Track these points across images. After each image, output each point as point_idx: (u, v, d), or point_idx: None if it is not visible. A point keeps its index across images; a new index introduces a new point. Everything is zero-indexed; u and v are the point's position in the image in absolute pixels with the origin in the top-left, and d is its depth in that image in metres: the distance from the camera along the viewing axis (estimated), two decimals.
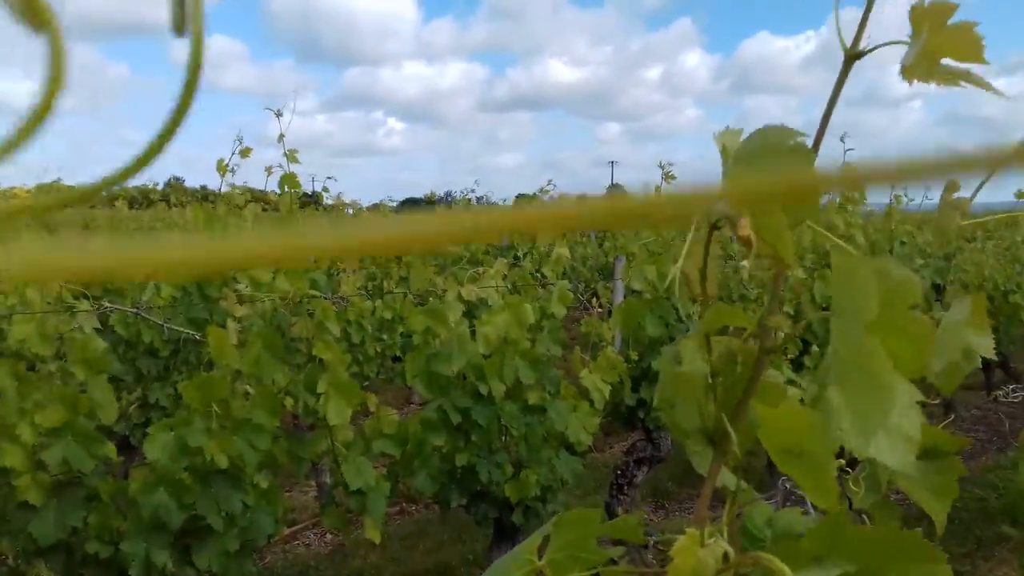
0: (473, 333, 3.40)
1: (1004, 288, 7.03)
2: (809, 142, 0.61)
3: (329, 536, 5.20)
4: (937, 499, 0.83)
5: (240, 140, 4.49)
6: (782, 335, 0.61)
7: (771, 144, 0.61)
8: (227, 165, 4.52)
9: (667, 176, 4.49)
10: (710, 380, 0.67)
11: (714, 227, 0.64)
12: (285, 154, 4.08)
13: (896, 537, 0.55)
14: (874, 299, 0.55)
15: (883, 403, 0.56)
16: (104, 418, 2.57)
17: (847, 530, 0.56)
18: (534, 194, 9.82)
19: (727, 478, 0.68)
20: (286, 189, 4.05)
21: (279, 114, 4.18)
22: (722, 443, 0.65)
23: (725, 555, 0.59)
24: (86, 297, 3.26)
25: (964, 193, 1.01)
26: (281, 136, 4.11)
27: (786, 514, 0.76)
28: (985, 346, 1.08)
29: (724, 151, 0.64)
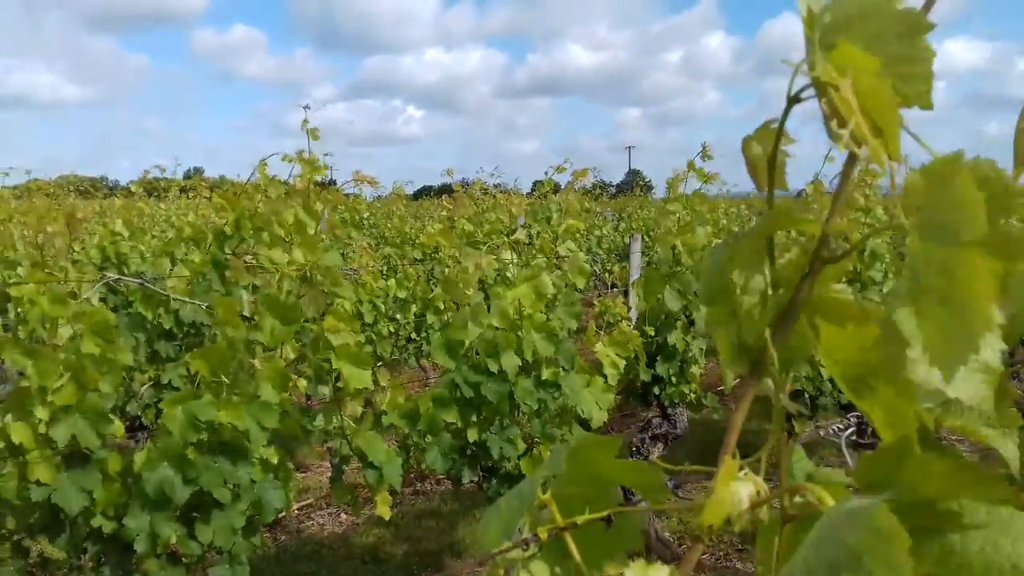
0: (489, 308, 3.33)
1: None
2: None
3: (343, 516, 5.17)
4: (1002, 434, 0.73)
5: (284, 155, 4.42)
6: (844, 244, 0.52)
7: (872, 6, 0.51)
8: (266, 163, 4.45)
9: (705, 155, 4.42)
10: (768, 292, 0.59)
11: (794, 99, 0.54)
12: (307, 132, 4.00)
13: (965, 467, 0.47)
14: (981, 213, 0.45)
15: (972, 332, 0.46)
16: (106, 387, 2.52)
17: (910, 458, 0.48)
18: (548, 177, 9.70)
19: (786, 402, 0.59)
20: (305, 169, 3.98)
21: (307, 107, 4.09)
22: (761, 363, 0.57)
23: (758, 491, 0.52)
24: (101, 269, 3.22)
25: None
26: (305, 122, 4.02)
27: (829, 471, 0.68)
28: None
29: (809, 17, 0.52)
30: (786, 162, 0.60)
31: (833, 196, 0.52)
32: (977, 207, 0.45)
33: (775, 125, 0.58)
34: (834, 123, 0.49)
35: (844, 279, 0.62)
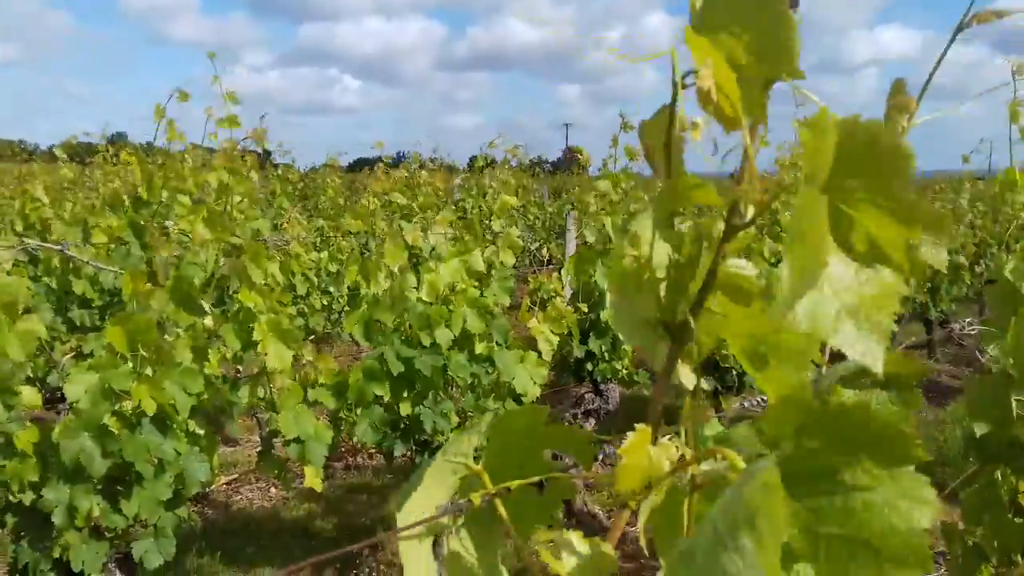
0: (420, 282, 3.32)
1: (947, 249, 7.14)
2: None
3: (273, 490, 5.11)
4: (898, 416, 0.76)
5: (179, 92, 4.28)
6: (752, 211, 0.53)
7: None
8: (164, 109, 4.32)
9: (626, 126, 4.42)
10: (672, 266, 0.59)
11: (679, 87, 0.54)
12: (224, 96, 3.90)
13: (866, 416, 0.48)
14: (827, 158, 0.49)
15: (815, 267, 0.49)
16: (12, 355, 2.42)
17: (810, 410, 0.49)
18: (483, 152, 9.67)
19: (687, 377, 0.60)
20: (227, 132, 3.88)
21: (212, 56, 3.99)
22: (681, 335, 0.58)
23: (681, 456, 0.52)
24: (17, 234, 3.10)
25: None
26: (216, 79, 3.92)
27: (743, 429, 0.70)
28: (940, 259, 1.01)
29: None
30: (683, 145, 0.61)
31: (740, 164, 0.54)
32: (827, 154, 0.48)
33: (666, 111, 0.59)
34: (706, 106, 0.51)
35: (742, 255, 0.63)
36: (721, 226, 0.59)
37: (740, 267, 0.60)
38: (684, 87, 0.54)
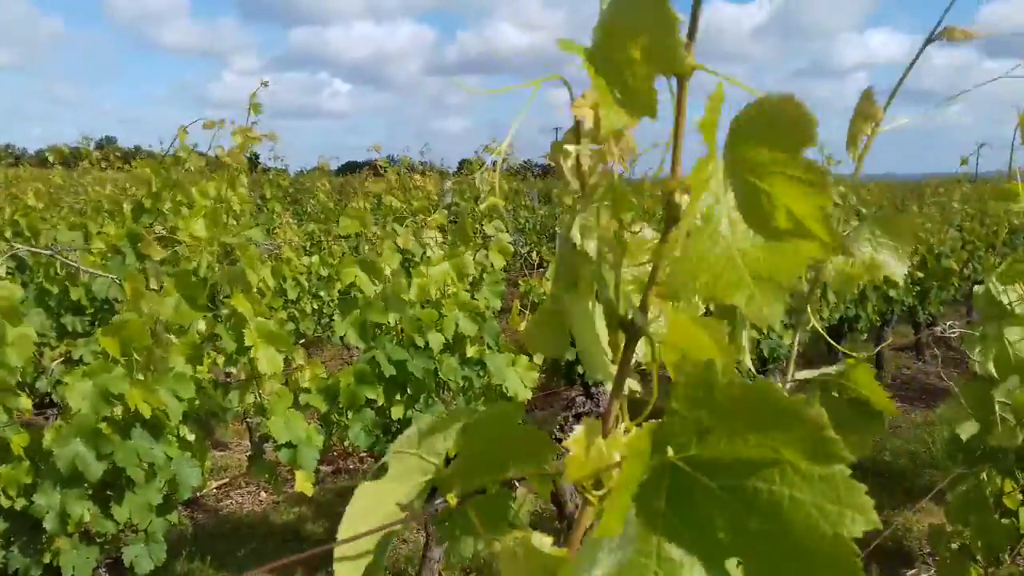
0: (411, 285, 3.33)
1: (938, 251, 7.18)
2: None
3: (263, 494, 5.11)
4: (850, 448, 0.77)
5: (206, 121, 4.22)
6: (686, 199, 0.54)
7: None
8: (187, 129, 4.28)
9: None
10: (605, 265, 0.61)
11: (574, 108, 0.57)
12: (249, 106, 3.85)
13: (775, 399, 0.48)
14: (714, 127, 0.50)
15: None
16: (12, 360, 2.42)
17: (717, 387, 0.50)
18: (476, 155, 9.67)
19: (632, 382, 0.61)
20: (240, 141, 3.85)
21: (264, 84, 3.91)
22: (631, 330, 0.59)
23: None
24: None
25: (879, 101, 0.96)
26: (253, 96, 3.86)
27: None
28: (895, 269, 1.02)
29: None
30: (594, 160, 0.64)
31: (672, 157, 0.55)
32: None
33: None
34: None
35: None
36: (639, 230, 0.61)
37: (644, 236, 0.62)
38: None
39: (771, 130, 0.50)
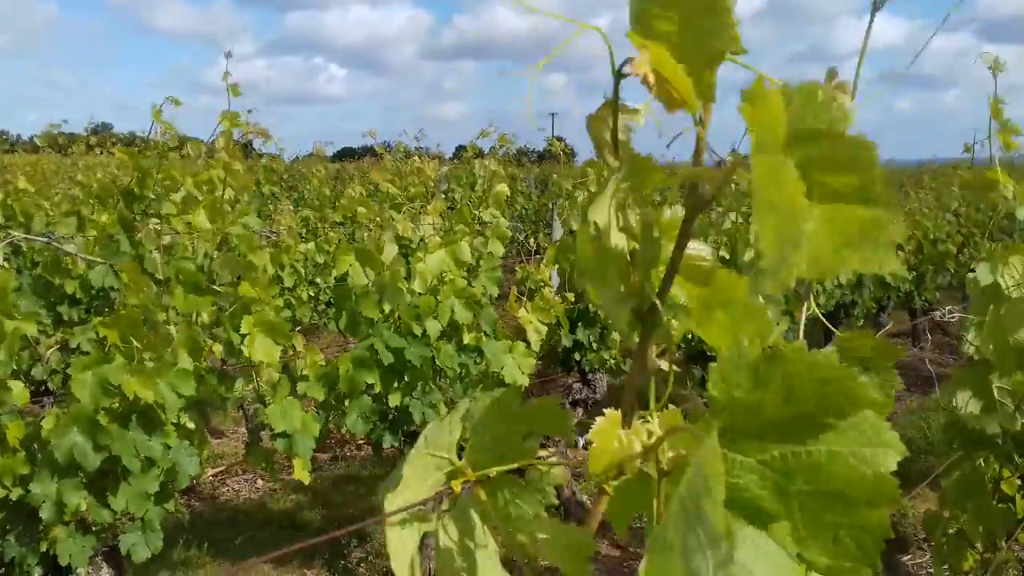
0: (410, 272, 3.32)
1: (933, 236, 7.18)
2: None
3: (260, 482, 5.11)
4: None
5: (172, 99, 4.19)
6: (709, 189, 0.53)
7: None
8: (160, 110, 4.25)
9: None
10: (633, 252, 0.60)
11: (619, 76, 0.55)
12: (228, 88, 3.83)
13: (840, 374, 0.49)
14: (782, 121, 0.49)
15: (796, 227, 0.49)
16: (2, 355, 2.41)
17: (756, 362, 0.50)
18: (474, 141, 9.63)
19: (656, 361, 0.61)
20: (226, 127, 3.82)
21: (229, 55, 3.90)
22: (650, 320, 0.58)
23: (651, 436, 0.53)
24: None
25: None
26: (226, 75, 3.84)
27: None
28: (895, 271, 1.03)
29: None
30: (630, 135, 0.62)
31: (695, 148, 0.54)
32: (778, 122, 0.49)
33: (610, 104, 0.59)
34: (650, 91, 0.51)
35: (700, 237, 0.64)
36: (669, 213, 0.60)
37: (696, 249, 0.61)
38: (623, 76, 0.55)
39: (813, 120, 0.50)
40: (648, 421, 0.55)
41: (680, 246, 0.57)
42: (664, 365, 0.59)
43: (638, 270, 0.60)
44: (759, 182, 0.48)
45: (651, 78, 0.50)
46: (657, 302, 0.57)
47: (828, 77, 0.97)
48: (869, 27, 0.94)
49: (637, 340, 0.59)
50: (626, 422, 0.55)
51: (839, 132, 0.50)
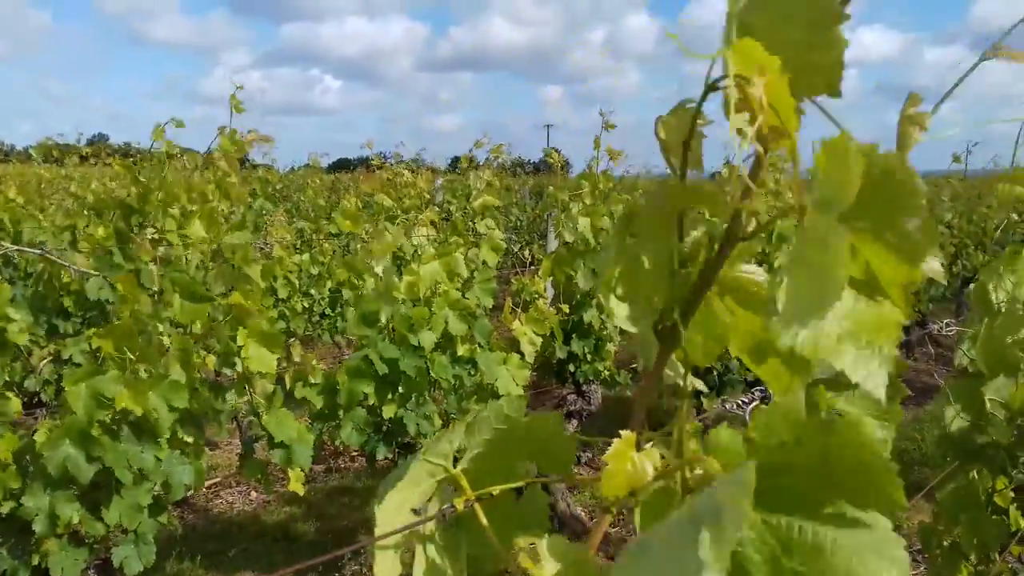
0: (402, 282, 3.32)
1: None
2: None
3: (254, 494, 5.09)
4: (882, 426, 0.77)
5: (175, 120, 4.18)
6: (754, 222, 0.53)
7: None
8: (163, 129, 4.25)
9: (607, 125, 4.40)
10: (675, 267, 0.59)
11: (710, 88, 0.53)
12: (231, 105, 3.82)
13: (850, 435, 0.48)
14: (853, 187, 0.47)
15: (824, 297, 0.47)
16: None
17: (799, 423, 0.49)
18: (470, 152, 9.64)
19: (687, 379, 0.61)
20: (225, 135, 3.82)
21: (239, 87, 3.88)
22: (670, 339, 0.58)
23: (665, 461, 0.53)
24: None
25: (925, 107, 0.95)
26: (235, 92, 3.82)
27: (725, 434, 0.70)
28: (935, 269, 1.03)
29: None
30: (702, 144, 0.60)
31: (748, 176, 0.53)
32: (850, 184, 0.46)
33: (691, 106, 0.58)
34: (740, 116, 0.49)
35: (753, 260, 0.63)
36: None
37: (752, 272, 0.61)
38: (715, 89, 0.53)
39: (876, 191, 0.48)
40: (659, 443, 0.55)
41: (708, 272, 0.56)
42: (700, 385, 0.59)
43: (676, 287, 0.59)
44: (806, 238, 0.47)
45: (766, 105, 0.48)
46: (679, 323, 0.57)
47: (910, 103, 0.96)
48: (962, 76, 0.94)
49: (654, 358, 0.59)
50: (636, 443, 0.55)
51: (900, 224, 0.49)
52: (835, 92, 0.50)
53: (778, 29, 0.51)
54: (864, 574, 0.47)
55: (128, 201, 3.44)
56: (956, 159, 6.73)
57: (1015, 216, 7.66)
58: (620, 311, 0.61)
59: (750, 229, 0.55)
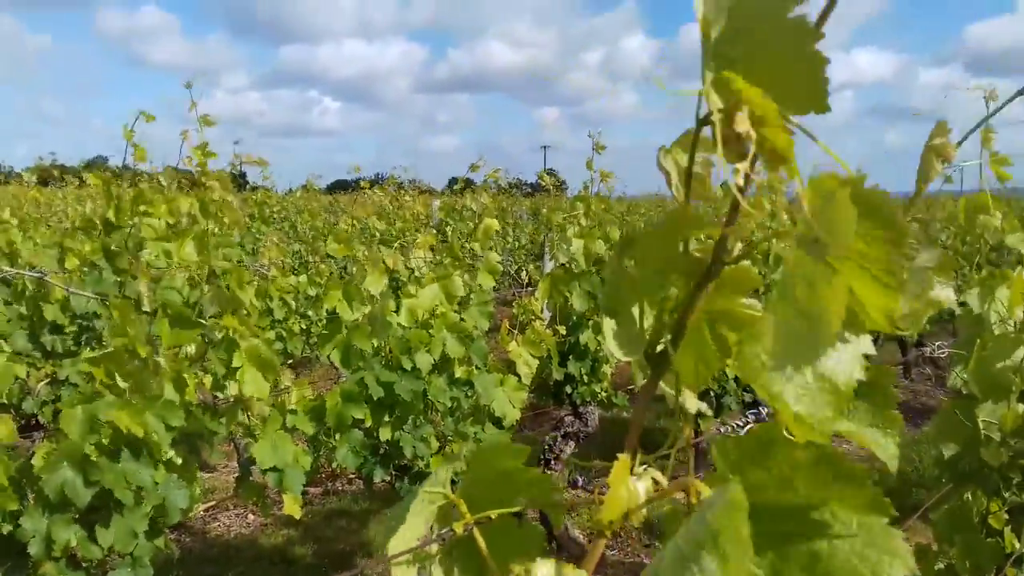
0: (399, 307, 3.33)
1: None
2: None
3: (251, 516, 5.07)
4: (883, 435, 0.77)
5: (143, 114, 4.18)
6: (740, 247, 0.55)
7: (763, 14, 0.51)
8: (132, 131, 4.26)
9: (598, 147, 4.42)
10: (667, 292, 0.61)
11: (702, 122, 0.54)
12: (198, 120, 3.84)
13: (832, 459, 0.49)
14: (851, 230, 0.47)
15: (816, 344, 0.49)
16: None
17: (778, 445, 0.51)
18: (467, 174, 9.69)
19: (691, 403, 0.62)
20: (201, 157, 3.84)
21: (188, 86, 3.92)
22: (658, 365, 0.60)
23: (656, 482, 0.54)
24: None
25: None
26: (193, 104, 3.86)
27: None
28: (948, 297, 1.05)
29: (704, 22, 0.52)
30: (711, 172, 0.62)
31: (732, 200, 0.54)
32: (848, 226, 0.46)
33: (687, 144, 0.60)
34: (728, 149, 0.50)
35: (757, 290, 0.64)
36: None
37: (750, 306, 0.62)
38: (707, 123, 0.52)
39: (861, 225, 0.48)
40: (652, 466, 0.56)
41: (693, 298, 0.57)
42: (704, 408, 0.61)
43: (658, 312, 0.61)
44: (791, 274, 0.47)
45: (752, 135, 0.48)
46: (669, 349, 0.59)
47: (938, 132, 0.97)
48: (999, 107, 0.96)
49: (643, 381, 0.61)
50: (631, 466, 0.56)
51: (886, 259, 0.49)
52: (822, 108, 0.50)
53: (756, 56, 0.51)
54: (864, 570, 0.47)
55: (109, 215, 3.45)
56: (948, 179, 6.77)
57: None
58: (611, 335, 0.63)
59: (735, 253, 0.57)
